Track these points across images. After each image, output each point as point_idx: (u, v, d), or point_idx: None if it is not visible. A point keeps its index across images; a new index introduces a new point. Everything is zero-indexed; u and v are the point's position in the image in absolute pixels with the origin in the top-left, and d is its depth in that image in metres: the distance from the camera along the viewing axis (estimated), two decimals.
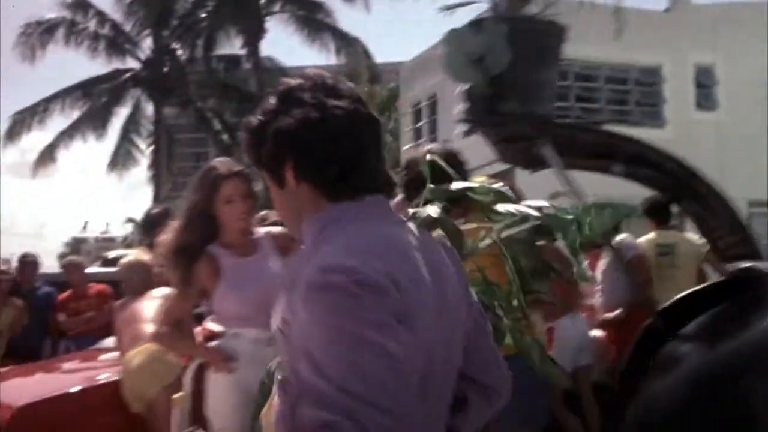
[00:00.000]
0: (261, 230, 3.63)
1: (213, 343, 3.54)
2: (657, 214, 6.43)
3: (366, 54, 22.47)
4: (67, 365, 5.68)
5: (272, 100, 1.57)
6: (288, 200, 1.56)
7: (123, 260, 5.36)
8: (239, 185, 3.51)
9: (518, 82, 2.34)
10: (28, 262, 8.25)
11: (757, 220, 14.93)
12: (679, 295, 2.76)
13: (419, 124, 18.62)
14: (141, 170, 27.55)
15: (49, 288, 8.22)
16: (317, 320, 1.31)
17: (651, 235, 6.08)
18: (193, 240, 3.47)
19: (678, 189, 2.76)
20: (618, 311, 5.86)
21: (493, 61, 2.27)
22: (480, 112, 2.37)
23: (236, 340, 3.48)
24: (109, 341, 5.62)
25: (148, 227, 4.83)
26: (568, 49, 12.31)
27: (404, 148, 19.09)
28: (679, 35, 14.86)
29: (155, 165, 25.90)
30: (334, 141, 1.48)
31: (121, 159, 26.42)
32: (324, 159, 1.48)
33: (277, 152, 1.51)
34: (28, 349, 7.45)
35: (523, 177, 6.97)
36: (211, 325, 3.43)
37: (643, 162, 2.58)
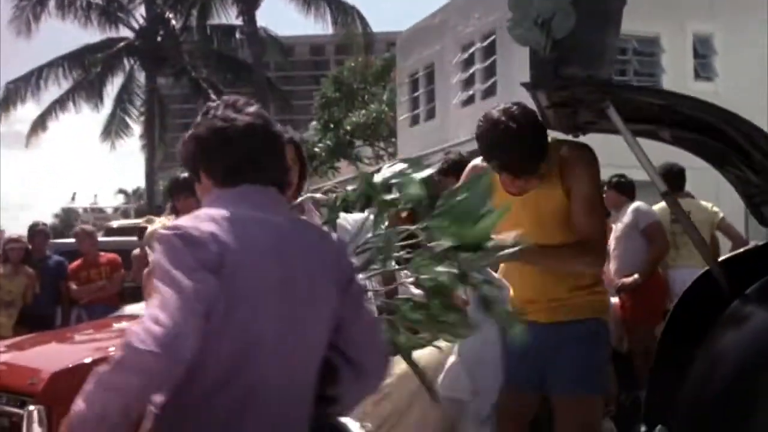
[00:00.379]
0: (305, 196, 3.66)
1: None
2: (671, 181, 6.50)
3: (363, 23, 22.35)
4: (87, 333, 5.70)
5: (198, 116, 2.00)
6: (200, 192, 1.99)
7: (149, 228, 5.37)
8: (290, 151, 3.49)
9: (581, 46, 2.36)
10: (38, 231, 8.27)
11: None
12: (726, 256, 2.82)
13: (416, 94, 18.58)
14: (131, 141, 27.45)
15: (60, 257, 8.25)
16: (154, 262, 1.81)
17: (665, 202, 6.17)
18: None
19: (725, 155, 2.80)
20: (635, 277, 5.94)
21: (557, 24, 2.29)
22: (544, 75, 2.39)
23: None
24: (132, 308, 5.65)
25: (175, 191, 4.81)
26: None
27: (400, 118, 19.07)
28: (677, 5, 14.85)
29: (148, 135, 25.80)
30: (228, 144, 1.90)
31: (113, 129, 26.30)
32: (220, 157, 1.92)
33: (192, 153, 1.96)
34: (40, 317, 7.51)
35: None
36: None
37: (693, 125, 2.61)
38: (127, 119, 26.56)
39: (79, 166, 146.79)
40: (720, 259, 2.65)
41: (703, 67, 15.21)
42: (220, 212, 1.81)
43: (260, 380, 1.78)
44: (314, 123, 27.58)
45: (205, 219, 1.79)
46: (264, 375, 1.79)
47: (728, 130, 2.47)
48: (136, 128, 26.95)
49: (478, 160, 4.60)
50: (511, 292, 3.24)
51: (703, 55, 15.31)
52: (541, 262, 3.03)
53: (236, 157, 1.90)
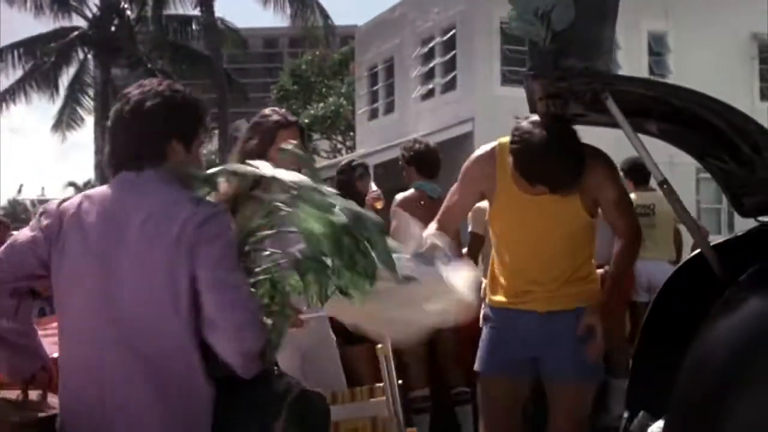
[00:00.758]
0: None
1: None
2: (635, 175, 6.60)
3: (323, 15, 22.26)
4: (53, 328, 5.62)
5: None
6: None
7: None
8: (296, 136, 3.48)
9: (579, 38, 2.41)
10: (1, 223, 8.16)
11: (704, 185, 15.46)
12: (717, 242, 2.90)
13: (375, 88, 18.62)
14: (82, 133, 27.00)
15: None
16: None
17: (630, 195, 6.28)
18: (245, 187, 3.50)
19: (708, 147, 2.89)
20: (606, 268, 6.03)
21: (557, 17, 2.34)
22: (544, 66, 2.43)
23: None
24: None
25: None
26: None
27: (359, 111, 19.11)
28: (633, 4, 15.12)
29: (101, 127, 25.38)
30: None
31: (65, 120, 25.81)
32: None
33: None
34: None
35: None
36: None
37: (680, 117, 2.68)
38: (79, 110, 26.10)
39: (27, 158, 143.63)
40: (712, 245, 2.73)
41: (658, 64, 15.55)
42: (86, 192, 2.25)
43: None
44: None
45: (70, 196, 2.31)
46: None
47: (717, 121, 2.55)
48: (88, 120, 26.53)
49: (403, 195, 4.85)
50: (502, 280, 3.29)
51: (657, 52, 15.65)
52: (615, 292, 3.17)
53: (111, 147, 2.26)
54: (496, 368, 3.31)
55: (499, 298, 3.31)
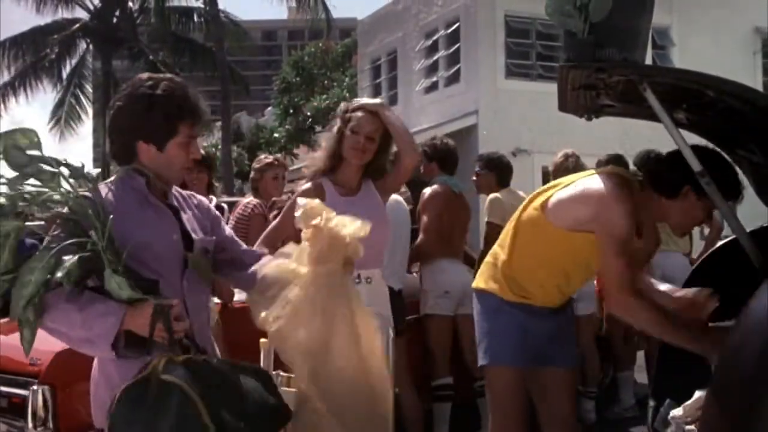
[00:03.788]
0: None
1: None
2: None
3: (325, 8, 22.25)
4: None
5: None
6: None
7: None
8: (368, 122, 3.71)
9: (616, 29, 2.45)
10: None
11: None
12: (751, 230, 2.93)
13: (378, 80, 18.61)
14: (81, 125, 26.84)
15: (34, 240, 8.12)
16: None
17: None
18: (321, 169, 3.79)
19: (737, 139, 2.92)
20: None
21: (595, 8, 2.37)
22: (584, 56, 2.46)
23: None
24: None
25: None
26: (530, 8, 12.29)
27: None
28: None
29: (102, 120, 25.29)
30: None
31: (63, 113, 25.70)
32: None
33: None
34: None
35: None
36: None
37: (712, 108, 2.71)
38: (78, 103, 25.97)
39: None
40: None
41: (661, 58, 15.54)
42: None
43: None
44: (270, 108, 27.40)
45: None
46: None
47: (748, 110, 2.58)
48: (88, 112, 26.39)
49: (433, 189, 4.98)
50: (526, 286, 3.38)
51: (661, 46, 15.64)
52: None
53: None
54: (515, 359, 3.40)
55: (516, 296, 3.38)
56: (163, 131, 2.52)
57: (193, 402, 2.16)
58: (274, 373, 3.32)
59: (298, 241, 3.71)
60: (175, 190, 2.70)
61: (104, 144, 24.55)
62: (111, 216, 2.34)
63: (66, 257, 2.27)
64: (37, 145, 2.38)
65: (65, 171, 2.40)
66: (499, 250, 3.46)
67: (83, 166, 2.48)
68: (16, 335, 2.94)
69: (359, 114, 3.74)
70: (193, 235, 2.62)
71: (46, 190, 2.36)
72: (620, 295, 2.94)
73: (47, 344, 4.17)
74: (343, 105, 3.89)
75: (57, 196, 2.37)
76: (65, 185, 2.37)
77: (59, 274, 2.26)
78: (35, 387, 3.89)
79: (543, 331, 3.39)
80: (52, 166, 2.37)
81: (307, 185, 3.75)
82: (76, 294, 2.32)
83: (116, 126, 2.55)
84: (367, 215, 3.64)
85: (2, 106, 24.74)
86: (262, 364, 3.24)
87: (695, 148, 2.75)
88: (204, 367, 2.28)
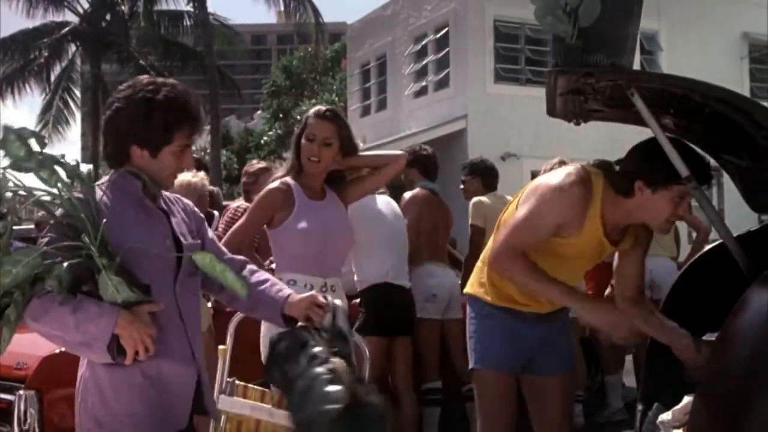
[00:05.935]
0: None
1: None
2: None
3: (315, 13, 22.24)
4: None
5: None
6: None
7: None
8: (324, 129, 3.62)
9: (605, 34, 2.45)
10: None
11: None
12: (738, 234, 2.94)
13: (367, 85, 18.61)
14: (71, 129, 26.71)
15: (20, 243, 8.08)
16: None
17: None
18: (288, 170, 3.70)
19: (724, 143, 2.93)
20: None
21: (584, 12, 2.38)
22: (572, 61, 2.47)
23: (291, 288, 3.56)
24: None
25: None
26: (519, 13, 12.31)
27: (351, 108, 19.09)
28: None
29: (91, 123, 25.19)
30: None
31: (52, 116, 25.59)
32: None
33: None
34: None
35: None
36: None
37: (699, 113, 2.72)
38: (66, 107, 25.87)
39: None
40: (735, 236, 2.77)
41: (649, 63, 15.60)
42: None
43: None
44: (260, 112, 27.39)
45: None
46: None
47: (737, 117, 2.59)
48: (76, 116, 26.30)
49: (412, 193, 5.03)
50: (513, 294, 3.33)
51: (649, 51, 15.71)
52: None
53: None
54: (502, 364, 3.39)
55: (501, 301, 3.35)
56: (159, 138, 2.49)
57: None
58: (229, 380, 3.34)
59: (263, 242, 3.72)
60: (163, 193, 2.69)
61: (93, 147, 24.51)
62: (104, 220, 2.31)
63: (56, 264, 2.23)
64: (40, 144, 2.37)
65: (61, 171, 2.37)
66: (485, 254, 3.45)
67: (78, 164, 2.45)
68: None
69: (312, 121, 3.65)
70: (182, 240, 2.60)
71: (43, 188, 2.33)
72: (502, 254, 3.04)
73: (34, 349, 4.20)
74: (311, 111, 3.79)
75: (48, 198, 2.34)
76: (61, 185, 2.34)
77: (50, 282, 2.23)
78: (21, 392, 3.87)
79: (533, 336, 3.36)
80: (50, 165, 2.33)
81: (275, 184, 3.66)
82: (69, 297, 2.30)
83: (112, 127, 2.51)
84: (334, 221, 3.66)
85: None
86: (218, 371, 3.23)
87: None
88: None
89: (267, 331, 3.53)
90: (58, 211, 2.35)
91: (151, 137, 2.48)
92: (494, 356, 3.36)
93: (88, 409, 2.46)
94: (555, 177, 3.06)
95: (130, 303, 2.30)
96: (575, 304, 3.11)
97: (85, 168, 2.60)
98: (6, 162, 2.32)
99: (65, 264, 2.23)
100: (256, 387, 3.44)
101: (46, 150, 2.37)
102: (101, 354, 2.32)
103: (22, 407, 3.85)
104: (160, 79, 2.58)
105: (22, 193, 2.32)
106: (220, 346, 3.42)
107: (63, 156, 2.45)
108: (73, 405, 2.60)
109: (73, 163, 2.42)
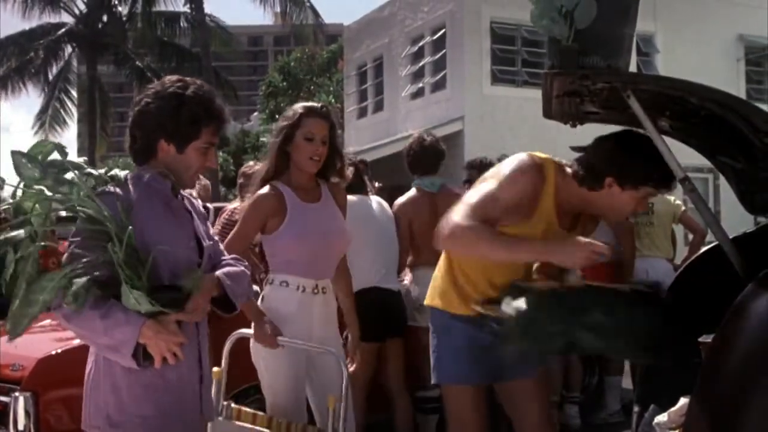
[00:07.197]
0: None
1: (260, 302, 3.60)
2: None
3: (314, 14, 22.23)
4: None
5: None
6: None
7: None
8: (322, 128, 3.56)
9: (601, 37, 2.45)
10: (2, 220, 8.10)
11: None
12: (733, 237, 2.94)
13: (364, 86, 18.62)
14: (68, 130, 26.68)
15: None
16: None
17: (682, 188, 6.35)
18: (270, 173, 3.59)
19: (720, 145, 2.94)
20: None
21: (580, 15, 2.38)
22: (568, 64, 2.47)
23: (283, 291, 3.54)
24: None
25: None
26: (515, 14, 12.33)
27: (348, 110, 19.10)
28: None
29: (88, 124, 25.15)
30: None
31: (49, 117, 25.55)
32: None
33: None
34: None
35: None
36: None
37: (695, 115, 2.73)
38: (63, 108, 25.83)
39: (6, 153, 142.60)
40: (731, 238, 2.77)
41: (646, 65, 15.63)
42: None
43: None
44: (256, 113, 27.38)
45: None
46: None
47: (733, 119, 2.59)
48: (73, 117, 26.27)
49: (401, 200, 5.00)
50: (473, 292, 3.22)
51: (645, 53, 15.73)
52: None
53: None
54: (465, 378, 3.28)
55: (465, 308, 3.22)
56: (187, 132, 2.52)
57: None
58: (225, 403, 3.33)
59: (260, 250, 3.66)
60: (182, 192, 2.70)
61: (89, 148, 24.50)
62: (130, 228, 2.30)
63: (77, 279, 2.22)
64: (61, 153, 2.37)
65: (89, 181, 2.38)
66: (442, 261, 3.35)
67: (107, 172, 2.49)
68: None
69: (311, 119, 3.55)
70: (203, 242, 2.63)
71: (61, 197, 2.32)
72: (453, 222, 2.86)
73: (29, 351, 4.19)
74: (290, 109, 3.66)
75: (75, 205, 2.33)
76: (83, 194, 2.32)
77: (68, 299, 2.23)
78: (17, 393, 3.85)
79: (497, 343, 3.09)
80: (66, 180, 2.33)
81: (264, 189, 3.55)
82: (100, 301, 2.30)
83: (141, 123, 2.54)
84: (330, 223, 3.62)
85: None
86: (213, 394, 3.22)
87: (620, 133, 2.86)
88: None
89: (256, 346, 3.55)
90: (83, 222, 2.33)
91: (179, 130, 2.51)
92: (459, 370, 3.26)
93: (100, 407, 2.48)
94: (511, 161, 2.99)
95: (154, 313, 2.31)
96: (530, 250, 2.89)
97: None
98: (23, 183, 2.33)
99: (84, 279, 2.22)
100: (248, 410, 3.48)
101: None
102: (127, 360, 2.35)
103: (17, 409, 3.83)
104: (188, 78, 2.63)
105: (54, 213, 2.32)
106: (215, 368, 3.39)
107: (86, 161, 2.48)
108: (68, 406, 2.60)
109: (101, 171, 2.47)
